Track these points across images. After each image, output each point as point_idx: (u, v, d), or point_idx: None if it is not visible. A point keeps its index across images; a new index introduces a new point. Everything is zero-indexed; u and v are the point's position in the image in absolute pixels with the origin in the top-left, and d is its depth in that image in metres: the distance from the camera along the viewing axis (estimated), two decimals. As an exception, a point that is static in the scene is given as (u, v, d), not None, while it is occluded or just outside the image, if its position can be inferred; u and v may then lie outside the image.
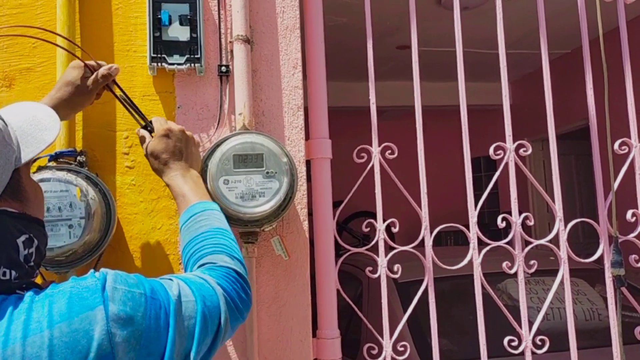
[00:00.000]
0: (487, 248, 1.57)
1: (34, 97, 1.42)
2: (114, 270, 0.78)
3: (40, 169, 1.25)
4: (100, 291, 0.72)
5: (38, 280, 0.84)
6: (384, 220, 1.56)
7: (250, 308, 0.99)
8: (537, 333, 1.56)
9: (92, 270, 0.77)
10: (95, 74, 1.15)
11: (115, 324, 0.70)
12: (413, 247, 1.55)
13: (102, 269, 0.77)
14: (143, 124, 1.21)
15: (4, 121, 0.78)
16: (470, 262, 1.56)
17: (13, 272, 0.74)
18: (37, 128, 0.84)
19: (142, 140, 1.19)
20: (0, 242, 0.73)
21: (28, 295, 0.70)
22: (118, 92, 1.22)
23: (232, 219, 1.31)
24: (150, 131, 1.19)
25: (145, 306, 0.74)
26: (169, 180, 1.14)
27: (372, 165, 1.57)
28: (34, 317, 0.67)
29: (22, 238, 0.76)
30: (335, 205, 1.58)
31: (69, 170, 1.24)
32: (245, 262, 1.39)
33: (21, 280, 0.75)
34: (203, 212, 1.06)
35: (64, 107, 1.14)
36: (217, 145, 1.34)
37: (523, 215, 1.60)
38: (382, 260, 1.54)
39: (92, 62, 1.17)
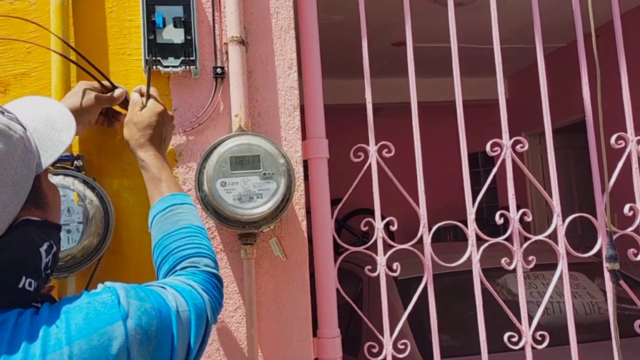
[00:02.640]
0: (486, 245, 1.57)
1: (30, 103, 1.41)
2: (120, 284, 0.78)
3: (37, 174, 1.25)
4: (117, 306, 0.72)
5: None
6: (383, 218, 1.56)
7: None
8: (537, 328, 1.57)
9: (101, 285, 0.77)
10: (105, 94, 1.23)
11: (133, 340, 0.70)
12: (412, 245, 1.55)
13: (106, 283, 0.77)
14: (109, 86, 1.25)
15: (23, 126, 0.76)
16: (470, 259, 1.56)
17: (34, 283, 0.73)
18: (53, 128, 0.82)
19: (132, 103, 1.20)
20: (26, 253, 0.72)
21: (44, 310, 0.70)
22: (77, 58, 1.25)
23: (230, 221, 1.31)
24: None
25: (157, 320, 0.76)
26: (146, 157, 1.12)
27: (370, 165, 1.57)
28: (52, 333, 0.66)
29: (45, 246, 0.75)
30: (334, 202, 1.58)
31: (65, 175, 1.24)
32: (244, 263, 1.41)
33: (39, 290, 0.75)
34: (182, 204, 1.06)
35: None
36: (214, 147, 1.34)
37: (521, 211, 1.60)
38: (381, 258, 1.54)
39: (97, 85, 1.22)
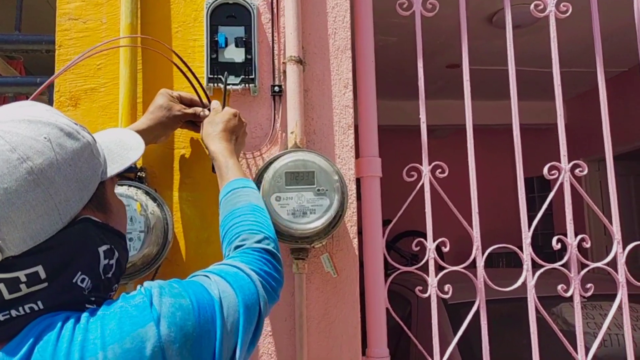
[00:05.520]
0: (542, 270, 1.53)
1: (98, 116, 1.49)
2: (157, 282, 0.79)
3: (103, 184, 1.31)
4: (148, 307, 0.72)
5: None
6: (434, 240, 1.55)
7: (283, 284, 1.03)
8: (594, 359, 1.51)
9: (139, 286, 0.78)
10: (189, 108, 1.36)
11: (167, 338, 0.71)
12: (464, 268, 1.53)
13: (145, 283, 0.78)
14: (207, 104, 1.38)
15: (93, 138, 0.83)
16: (524, 285, 1.53)
17: (89, 281, 0.76)
18: (123, 148, 0.89)
19: (212, 110, 1.32)
20: (81, 248, 0.75)
21: (84, 316, 0.72)
22: (191, 77, 1.38)
23: (283, 235, 1.33)
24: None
25: (194, 314, 0.75)
26: (216, 148, 1.22)
27: (422, 184, 1.56)
28: (90, 338, 0.69)
29: (104, 247, 0.78)
30: (385, 223, 1.58)
31: (130, 186, 1.30)
32: (295, 278, 1.43)
33: (94, 292, 0.77)
34: (243, 188, 1.13)
35: (158, 128, 1.32)
36: (270, 162, 1.37)
37: (579, 237, 1.55)
38: (432, 279, 1.53)
39: (177, 94, 1.36)
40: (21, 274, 0.70)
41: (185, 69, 1.36)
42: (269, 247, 1.01)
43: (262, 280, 0.92)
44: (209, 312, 0.78)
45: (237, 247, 1.00)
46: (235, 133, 1.28)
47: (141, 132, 1.25)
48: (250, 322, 0.85)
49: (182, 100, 1.37)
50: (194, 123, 1.40)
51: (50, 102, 1.67)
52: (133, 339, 0.69)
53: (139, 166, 1.40)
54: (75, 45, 1.53)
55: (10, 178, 0.69)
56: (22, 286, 0.70)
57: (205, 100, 1.39)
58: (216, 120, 1.27)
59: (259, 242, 1.01)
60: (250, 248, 0.99)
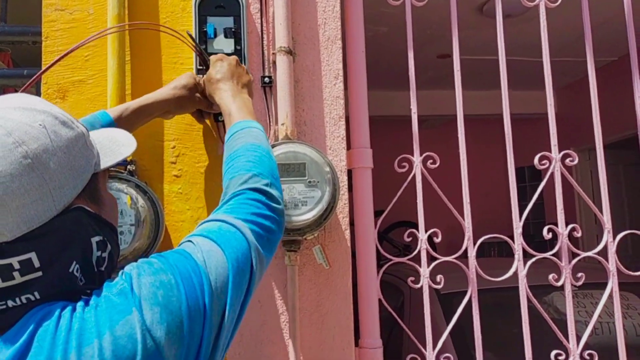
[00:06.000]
0: (533, 260, 1.54)
1: (87, 108, 1.47)
2: (136, 263, 0.77)
3: (92, 177, 1.30)
4: (129, 292, 0.72)
5: None
6: (426, 230, 1.55)
7: (284, 215, 0.97)
8: (585, 347, 1.52)
9: (120, 272, 0.76)
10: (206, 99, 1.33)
11: (151, 320, 0.70)
12: (455, 258, 1.53)
13: (126, 267, 0.77)
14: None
15: (86, 129, 0.82)
16: (515, 274, 1.53)
17: (82, 272, 0.75)
18: (116, 144, 0.89)
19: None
20: (75, 237, 0.75)
21: (80, 304, 0.72)
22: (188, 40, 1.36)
23: (275, 228, 1.33)
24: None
25: (177, 288, 0.73)
26: (219, 99, 1.22)
27: (414, 175, 1.56)
28: (86, 327, 0.69)
29: (97, 238, 0.78)
30: (376, 214, 1.58)
31: (120, 179, 1.28)
32: (287, 270, 1.42)
33: (89, 285, 0.76)
34: (241, 130, 1.09)
35: (174, 104, 1.30)
36: (261, 154, 1.36)
37: (570, 226, 1.56)
38: (424, 270, 1.53)
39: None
40: (14, 261, 0.69)
41: (188, 39, 1.34)
42: (257, 185, 0.94)
43: (252, 224, 0.88)
44: (194, 280, 0.75)
45: (226, 196, 0.95)
46: (236, 76, 1.26)
47: (157, 103, 1.26)
48: (243, 273, 0.82)
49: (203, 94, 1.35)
50: (202, 115, 1.41)
51: (37, 94, 1.65)
52: (122, 326, 0.69)
53: (128, 159, 1.39)
54: (62, 36, 1.50)
55: (5, 161, 0.69)
56: (16, 274, 0.70)
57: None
58: (210, 73, 1.26)
59: (243, 183, 0.94)
60: (232, 193, 0.93)
